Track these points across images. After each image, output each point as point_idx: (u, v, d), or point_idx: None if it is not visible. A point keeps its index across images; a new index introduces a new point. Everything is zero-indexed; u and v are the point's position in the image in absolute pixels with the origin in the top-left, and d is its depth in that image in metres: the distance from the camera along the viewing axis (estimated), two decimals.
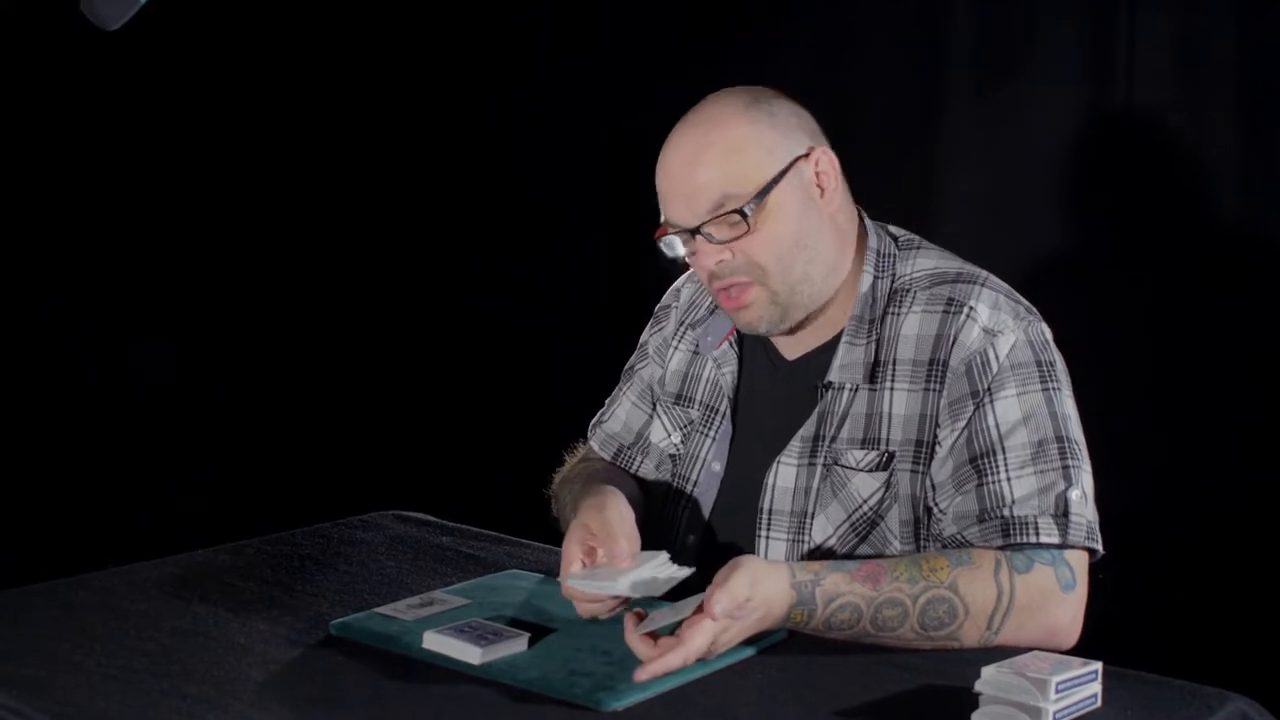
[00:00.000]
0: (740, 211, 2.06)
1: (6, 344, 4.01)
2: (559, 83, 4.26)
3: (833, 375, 2.15)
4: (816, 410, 2.16)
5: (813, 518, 2.12)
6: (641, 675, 1.78)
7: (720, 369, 2.29)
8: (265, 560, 2.38)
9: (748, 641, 1.92)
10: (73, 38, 3.84)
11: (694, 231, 2.10)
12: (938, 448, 2.07)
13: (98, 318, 4.21)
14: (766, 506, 2.16)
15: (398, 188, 4.57)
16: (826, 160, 2.15)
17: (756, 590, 1.86)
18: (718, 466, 2.27)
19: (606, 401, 2.54)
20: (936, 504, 2.07)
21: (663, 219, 2.15)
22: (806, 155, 2.13)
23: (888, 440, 2.10)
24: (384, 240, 4.59)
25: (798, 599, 1.90)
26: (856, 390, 2.13)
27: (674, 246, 2.15)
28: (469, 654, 1.87)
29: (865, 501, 2.10)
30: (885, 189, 2.20)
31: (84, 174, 4.12)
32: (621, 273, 3.69)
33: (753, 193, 2.07)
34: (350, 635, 2.00)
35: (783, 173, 2.09)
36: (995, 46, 3.33)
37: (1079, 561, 1.99)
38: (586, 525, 2.02)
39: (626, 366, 2.52)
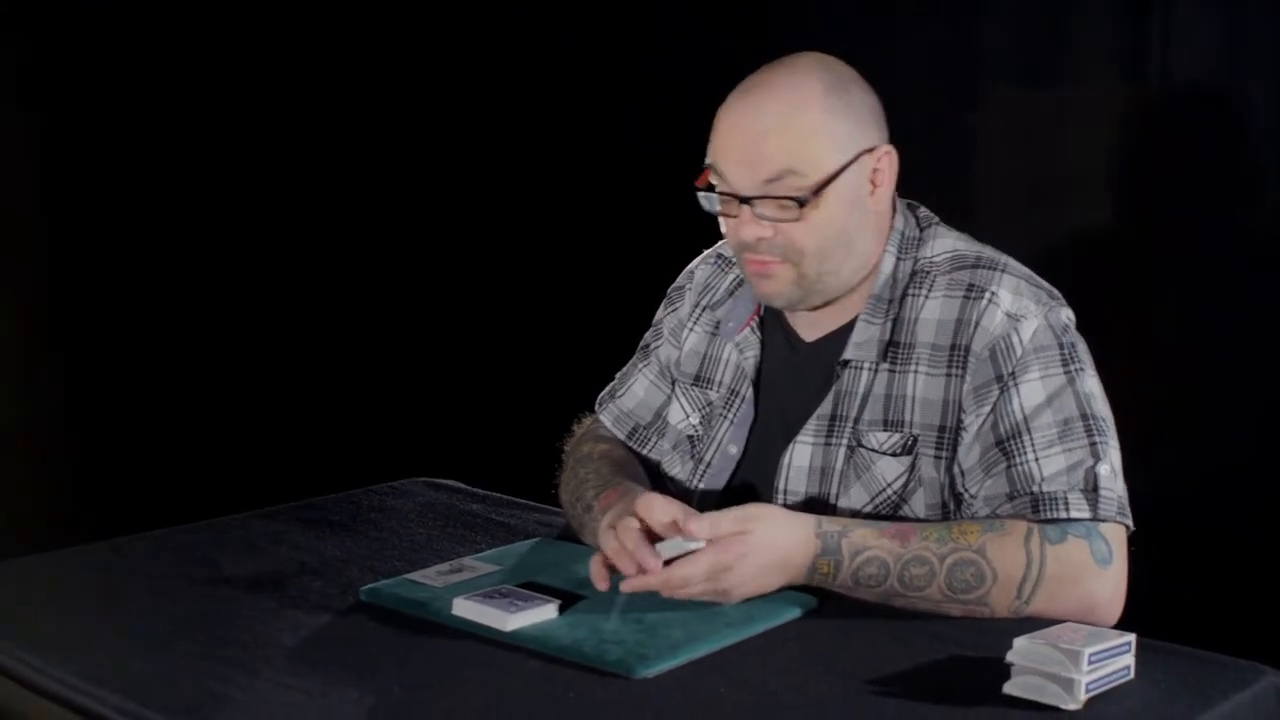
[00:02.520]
0: (798, 200, 2.04)
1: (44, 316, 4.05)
2: (558, 76, 4.27)
3: (848, 353, 2.14)
4: (833, 389, 2.15)
5: (835, 499, 2.12)
6: (626, 586, 1.89)
7: (743, 353, 2.28)
8: (296, 526, 2.38)
9: (790, 602, 1.93)
10: (70, 36, 3.90)
11: (743, 200, 2.07)
12: (963, 433, 2.06)
13: (145, 283, 4.25)
14: (782, 486, 2.16)
15: (435, 161, 4.56)
16: (888, 160, 2.13)
17: (755, 526, 1.89)
18: (734, 449, 2.26)
19: (618, 376, 2.52)
20: (967, 489, 2.05)
21: (709, 164, 2.11)
22: (871, 150, 2.11)
23: (910, 424, 2.09)
24: (422, 214, 4.59)
25: (823, 548, 1.92)
26: (876, 371, 2.12)
27: (711, 203, 2.12)
28: (498, 621, 1.86)
29: (890, 485, 2.09)
30: (919, 173, 2.19)
31: (102, 169, 4.14)
32: (648, 245, 3.68)
33: (815, 183, 2.04)
34: (380, 601, 2.00)
35: (846, 167, 2.07)
36: (1033, 32, 3.30)
37: (1116, 537, 1.97)
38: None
39: (642, 343, 2.50)
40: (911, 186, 2.24)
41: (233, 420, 4.39)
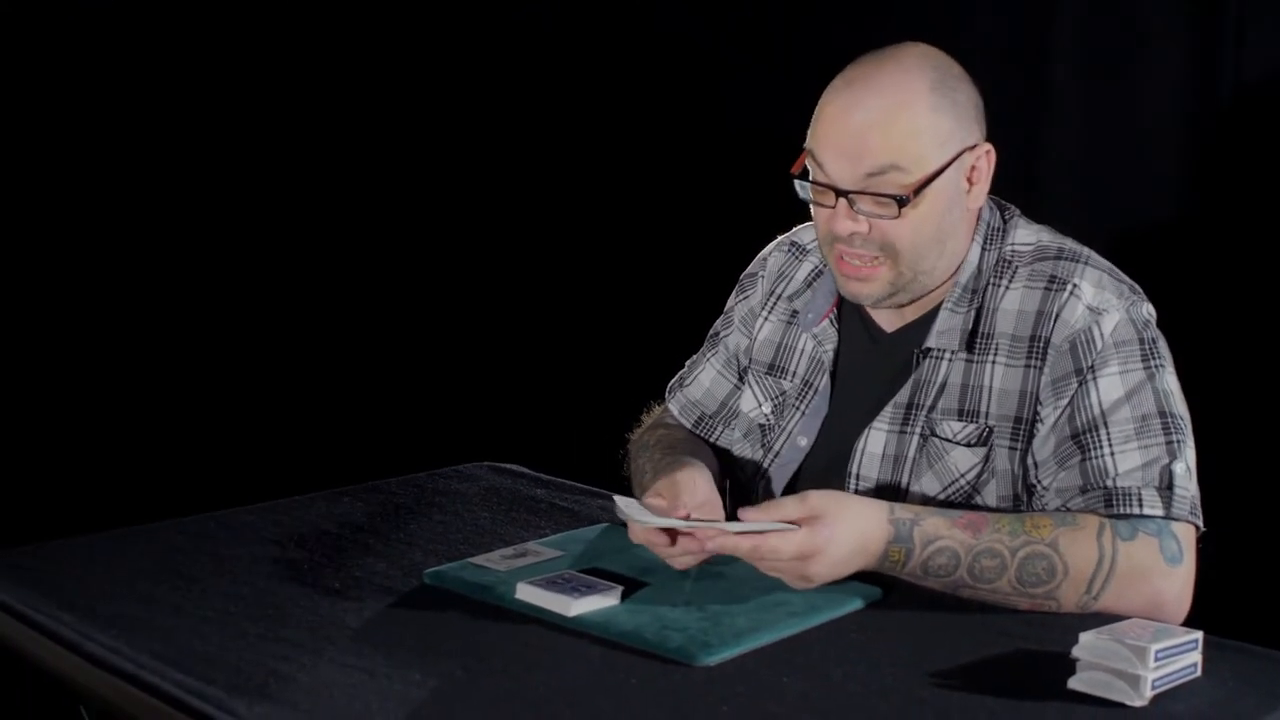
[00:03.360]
0: (898, 198, 2.02)
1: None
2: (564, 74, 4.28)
3: (930, 341, 2.13)
4: (912, 377, 2.14)
5: (907, 488, 2.10)
6: (713, 545, 1.89)
7: (821, 345, 2.27)
8: (361, 508, 2.39)
9: (854, 593, 1.92)
10: (71, 37, 3.93)
11: (841, 193, 2.05)
12: (1038, 425, 2.04)
13: (225, 269, 4.29)
14: (855, 471, 2.15)
15: (509, 148, 4.57)
16: (987, 158, 2.11)
17: (832, 511, 1.87)
18: (803, 441, 2.25)
19: (687, 364, 2.52)
20: (1039, 481, 2.04)
21: (807, 149, 2.09)
22: (972, 148, 2.09)
23: (986, 414, 2.08)
24: (501, 199, 4.60)
25: (895, 535, 1.90)
26: (954, 360, 2.11)
27: (805, 191, 2.10)
28: (561, 605, 1.87)
29: (963, 475, 2.08)
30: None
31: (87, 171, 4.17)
32: (720, 232, 3.69)
33: (917, 181, 2.03)
34: (444, 584, 2.01)
35: (947, 164, 2.05)
36: (1102, 18, 3.27)
37: (1186, 535, 1.95)
38: (659, 493, 2.04)
39: (711, 332, 2.50)
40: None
41: (301, 402, 4.42)
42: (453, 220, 4.61)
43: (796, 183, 2.11)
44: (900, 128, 2.03)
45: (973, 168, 2.10)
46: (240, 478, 3.23)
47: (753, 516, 1.88)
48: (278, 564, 2.10)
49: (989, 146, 2.11)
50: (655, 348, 2.69)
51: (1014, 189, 2.27)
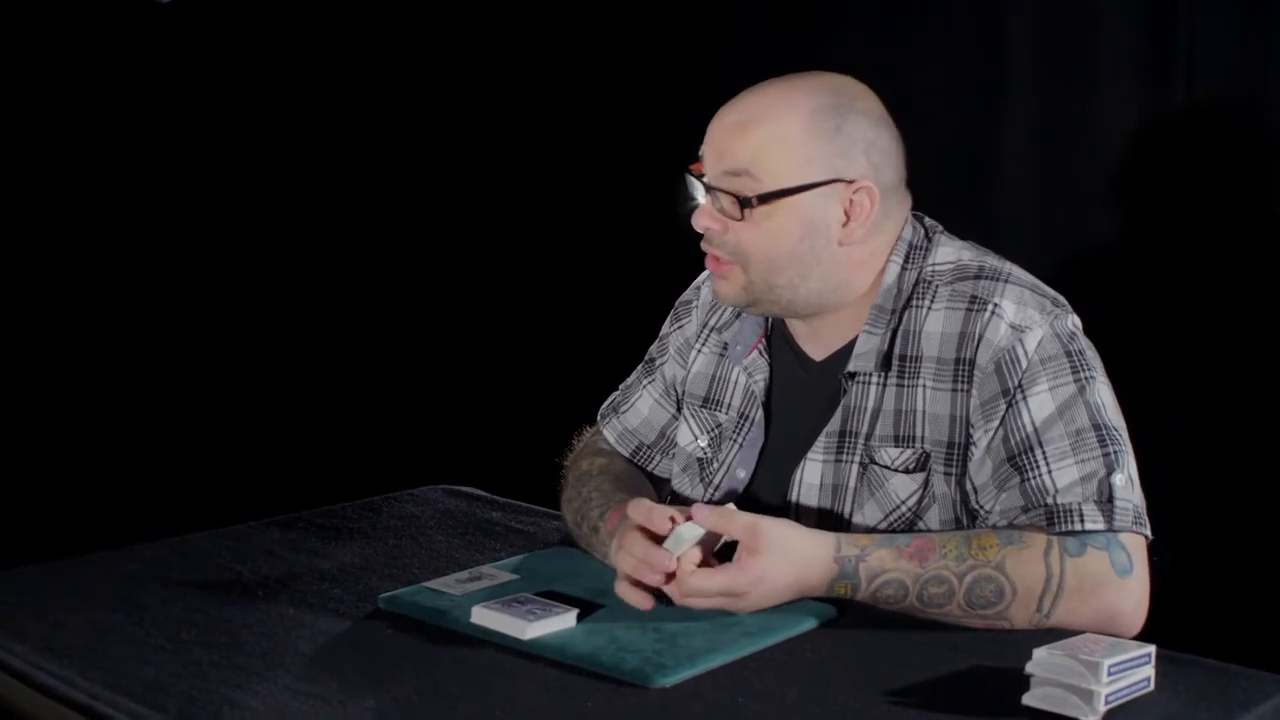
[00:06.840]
0: (742, 199, 2.05)
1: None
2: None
3: (852, 365, 2.12)
4: (841, 405, 2.13)
5: (849, 517, 2.10)
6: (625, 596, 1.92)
7: (751, 376, 2.26)
8: (314, 533, 2.38)
9: (809, 612, 1.92)
10: (72, 38, 3.91)
11: (708, 189, 2.10)
12: (972, 449, 2.04)
13: (168, 291, 4.26)
14: (794, 502, 2.14)
15: (455, 171, 4.57)
16: (866, 197, 2.08)
17: (769, 548, 1.88)
18: (742, 473, 2.24)
19: (621, 388, 2.50)
20: (981, 505, 2.04)
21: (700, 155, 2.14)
22: (849, 182, 2.08)
23: (921, 439, 2.07)
24: (445, 222, 4.59)
25: (840, 573, 1.91)
26: (885, 385, 2.11)
27: (694, 188, 2.13)
28: (517, 629, 1.86)
29: (904, 502, 2.08)
30: (940, 178, 2.17)
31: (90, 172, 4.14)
32: (656, 251, 3.70)
33: (766, 190, 2.04)
34: (398, 609, 2.00)
35: (809, 187, 2.05)
36: (1055, 32, 3.29)
37: (1134, 546, 1.95)
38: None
39: (647, 357, 2.48)
40: (929, 192, 2.23)
41: (253, 427, 4.39)
42: (400, 244, 4.60)
43: (688, 175, 2.14)
44: (763, 134, 2.06)
45: (851, 201, 2.09)
46: (194, 503, 3.21)
47: (705, 516, 1.90)
48: (231, 590, 2.09)
49: (869, 185, 2.08)
50: (608, 368, 2.69)
51: (963, 203, 2.28)
